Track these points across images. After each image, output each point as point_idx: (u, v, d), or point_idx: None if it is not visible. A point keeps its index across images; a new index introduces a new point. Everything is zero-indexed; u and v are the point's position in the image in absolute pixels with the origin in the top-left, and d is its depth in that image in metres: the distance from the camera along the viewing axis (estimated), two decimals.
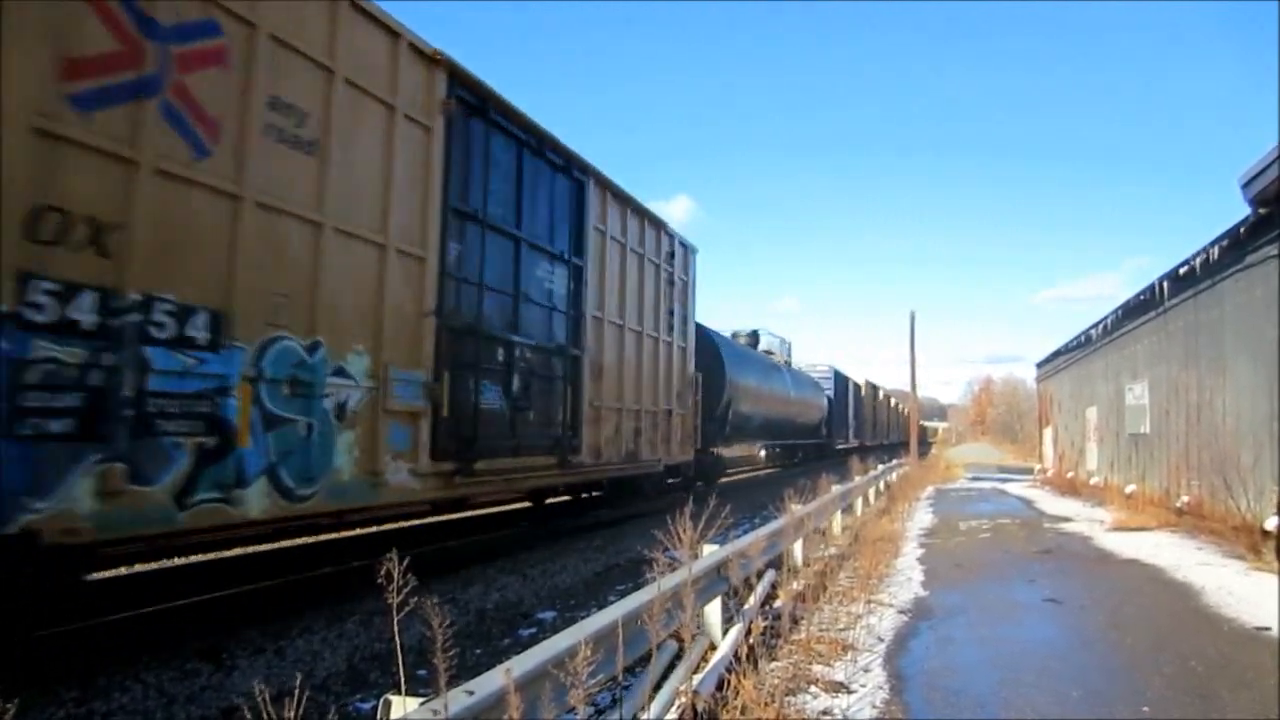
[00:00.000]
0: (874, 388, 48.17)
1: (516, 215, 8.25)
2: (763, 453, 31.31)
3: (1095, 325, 17.98)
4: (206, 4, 4.77)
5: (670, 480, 13.94)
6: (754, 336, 24.30)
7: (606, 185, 10.53)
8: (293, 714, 2.02)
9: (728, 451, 21.98)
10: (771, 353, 25.65)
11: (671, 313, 13.11)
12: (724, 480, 19.05)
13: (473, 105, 7.50)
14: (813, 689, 4.28)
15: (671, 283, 13.15)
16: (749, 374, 18.98)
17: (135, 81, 4.36)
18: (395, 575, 2.20)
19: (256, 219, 5.06)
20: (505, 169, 8.10)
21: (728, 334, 21.02)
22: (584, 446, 9.62)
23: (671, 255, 13.17)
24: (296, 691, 2.11)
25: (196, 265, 4.69)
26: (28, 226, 3.83)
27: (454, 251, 7.12)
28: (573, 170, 9.52)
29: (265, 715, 2.06)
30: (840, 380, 34.04)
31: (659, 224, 12.68)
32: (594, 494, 12.32)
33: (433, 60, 6.86)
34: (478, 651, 5.40)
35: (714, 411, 15.97)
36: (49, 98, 3.94)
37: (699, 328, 15.46)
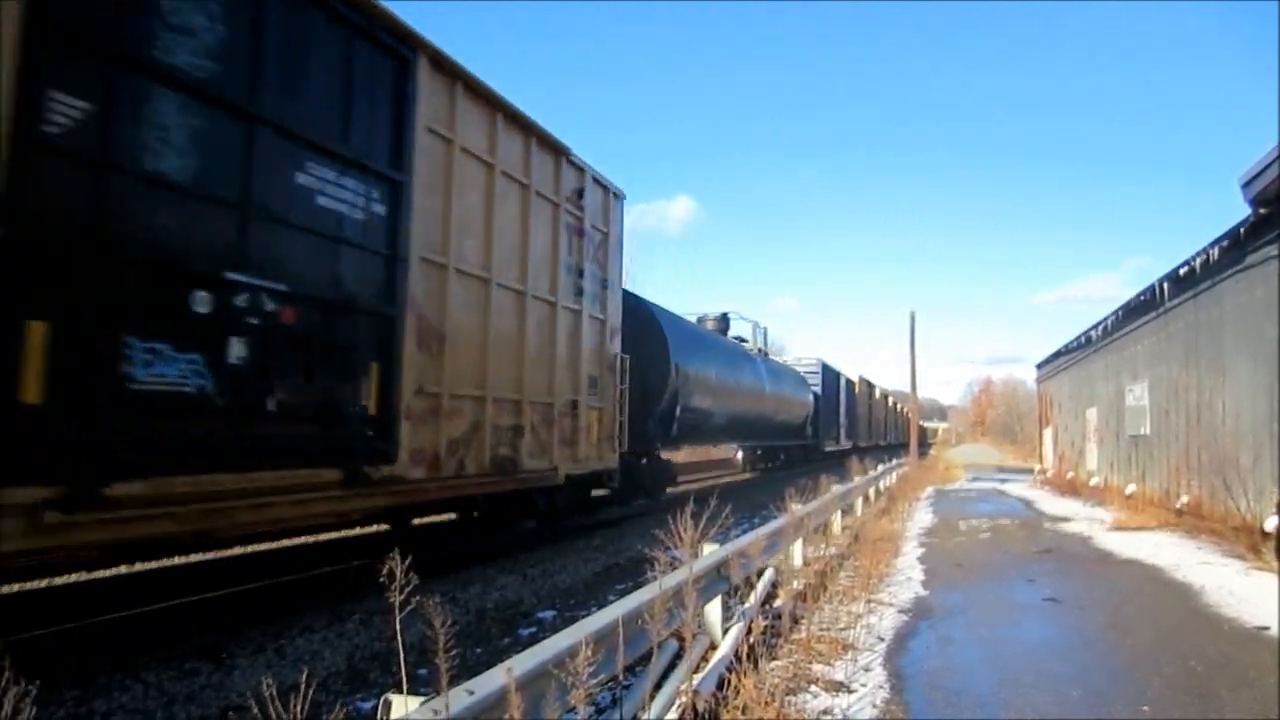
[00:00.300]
0: (869, 385, 45.56)
1: (252, 81, 5.12)
2: (740, 454, 27.97)
3: (1095, 326, 17.99)
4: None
5: (592, 494, 11.27)
6: (723, 321, 20.89)
7: (457, 73, 7.17)
8: (299, 708, 2.02)
9: (679, 456, 19.68)
10: (744, 340, 22.21)
11: (582, 273, 9.81)
12: (679, 489, 15.91)
13: None
14: (813, 688, 4.28)
15: (581, 233, 9.80)
16: (707, 361, 15.86)
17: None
18: (398, 575, 2.20)
19: None
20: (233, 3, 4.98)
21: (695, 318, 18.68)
22: (403, 453, 6.39)
23: (580, 195, 9.80)
24: (303, 687, 2.10)
25: None
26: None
27: (71, 111, 4.06)
28: (386, 37, 6.29)
29: (273, 712, 2.06)
30: (830, 374, 30.75)
31: (559, 149, 9.19)
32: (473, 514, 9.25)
33: None
34: (478, 651, 5.40)
35: (655, 407, 13.08)
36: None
37: (632, 299, 12.42)
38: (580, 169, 9.83)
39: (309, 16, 5.63)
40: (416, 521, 9.78)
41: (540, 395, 8.73)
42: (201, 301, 4.77)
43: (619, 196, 11.03)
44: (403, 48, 6.49)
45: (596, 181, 10.31)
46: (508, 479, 8.07)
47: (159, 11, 4.54)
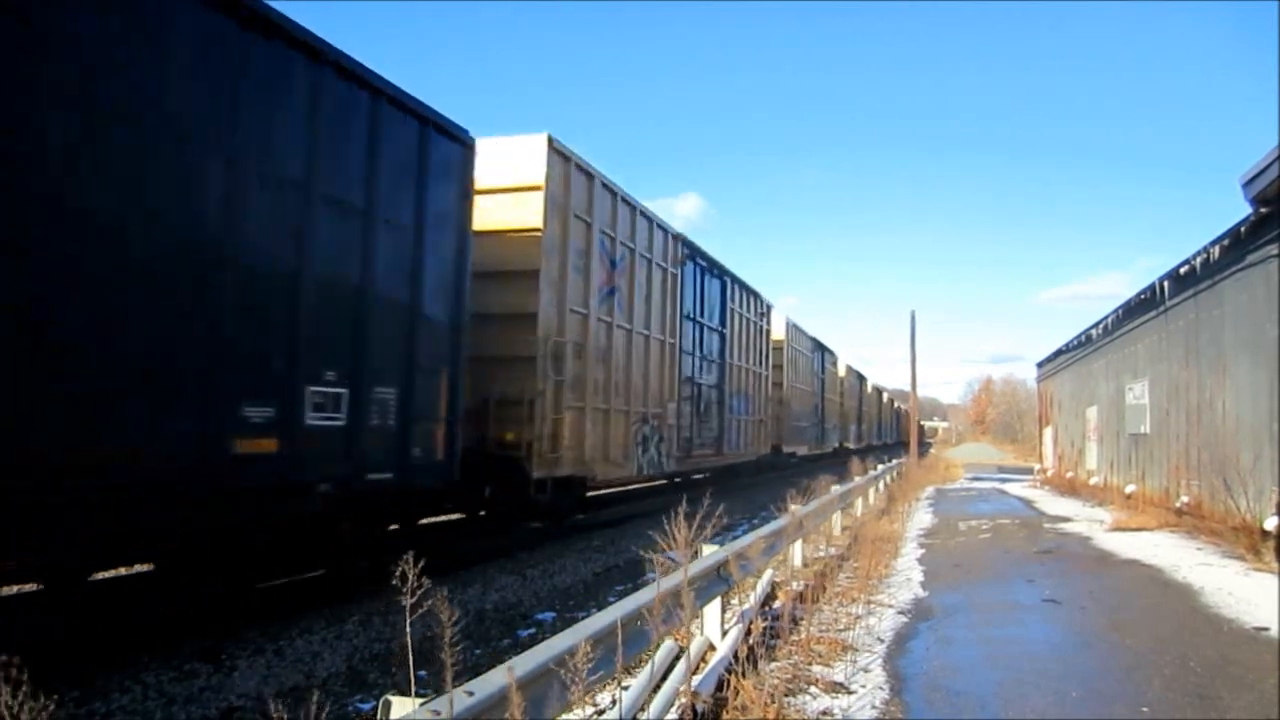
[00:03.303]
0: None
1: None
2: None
3: (1096, 325, 17.99)
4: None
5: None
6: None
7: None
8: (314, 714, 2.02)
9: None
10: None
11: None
12: None
13: None
14: (812, 689, 4.28)
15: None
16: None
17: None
18: (410, 576, 2.21)
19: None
20: None
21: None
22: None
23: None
24: (317, 695, 2.10)
25: None
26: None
27: None
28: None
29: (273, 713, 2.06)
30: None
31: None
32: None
33: None
34: (477, 652, 5.40)
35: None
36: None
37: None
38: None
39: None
40: (419, 522, 9.88)
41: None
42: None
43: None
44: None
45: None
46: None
47: None
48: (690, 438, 13.96)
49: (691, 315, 14.09)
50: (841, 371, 34.61)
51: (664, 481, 16.02)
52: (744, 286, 17.71)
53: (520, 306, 8.86)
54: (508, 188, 8.97)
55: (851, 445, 35.50)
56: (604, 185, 10.39)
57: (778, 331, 21.84)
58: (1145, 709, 4.05)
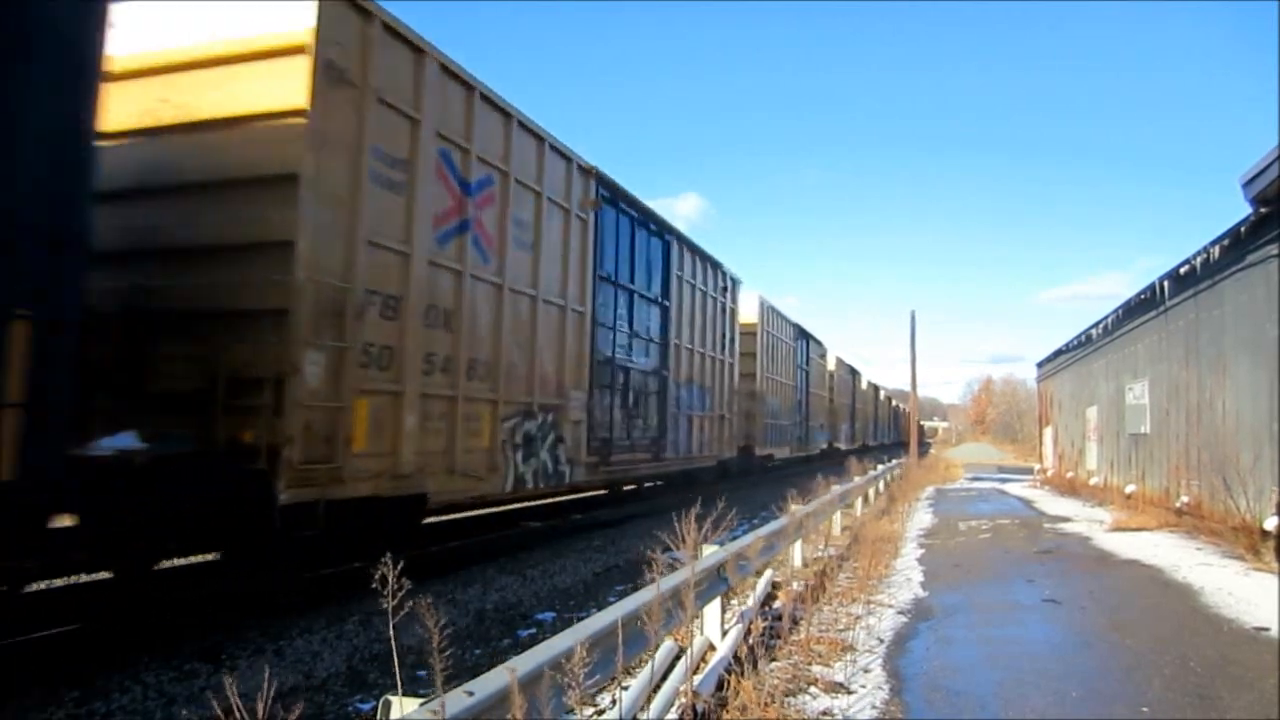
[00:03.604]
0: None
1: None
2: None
3: (1096, 325, 17.99)
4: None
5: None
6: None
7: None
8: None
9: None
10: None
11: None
12: None
13: None
14: (812, 689, 4.28)
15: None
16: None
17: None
18: (390, 580, 2.20)
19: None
20: None
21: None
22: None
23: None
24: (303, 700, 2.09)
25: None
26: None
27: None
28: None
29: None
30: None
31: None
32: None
33: None
34: (477, 652, 5.39)
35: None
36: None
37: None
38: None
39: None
40: (421, 522, 9.85)
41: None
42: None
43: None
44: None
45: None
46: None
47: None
48: (610, 438, 10.55)
49: (613, 278, 10.70)
50: (831, 365, 31.15)
51: (571, 496, 12.91)
52: (698, 252, 14.20)
53: (266, 232, 5.62)
54: (246, 52, 5.82)
55: (843, 446, 32.34)
56: (445, 70, 7.03)
57: (748, 314, 18.53)
58: (1145, 709, 4.05)
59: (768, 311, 20.38)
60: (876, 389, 48.82)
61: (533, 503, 11.87)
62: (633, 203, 11.26)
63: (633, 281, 11.50)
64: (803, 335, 25.18)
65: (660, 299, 12.57)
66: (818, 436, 27.64)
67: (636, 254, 11.62)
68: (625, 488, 14.13)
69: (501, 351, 7.87)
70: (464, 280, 7.24)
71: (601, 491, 13.71)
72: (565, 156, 9.22)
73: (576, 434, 9.56)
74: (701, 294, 14.54)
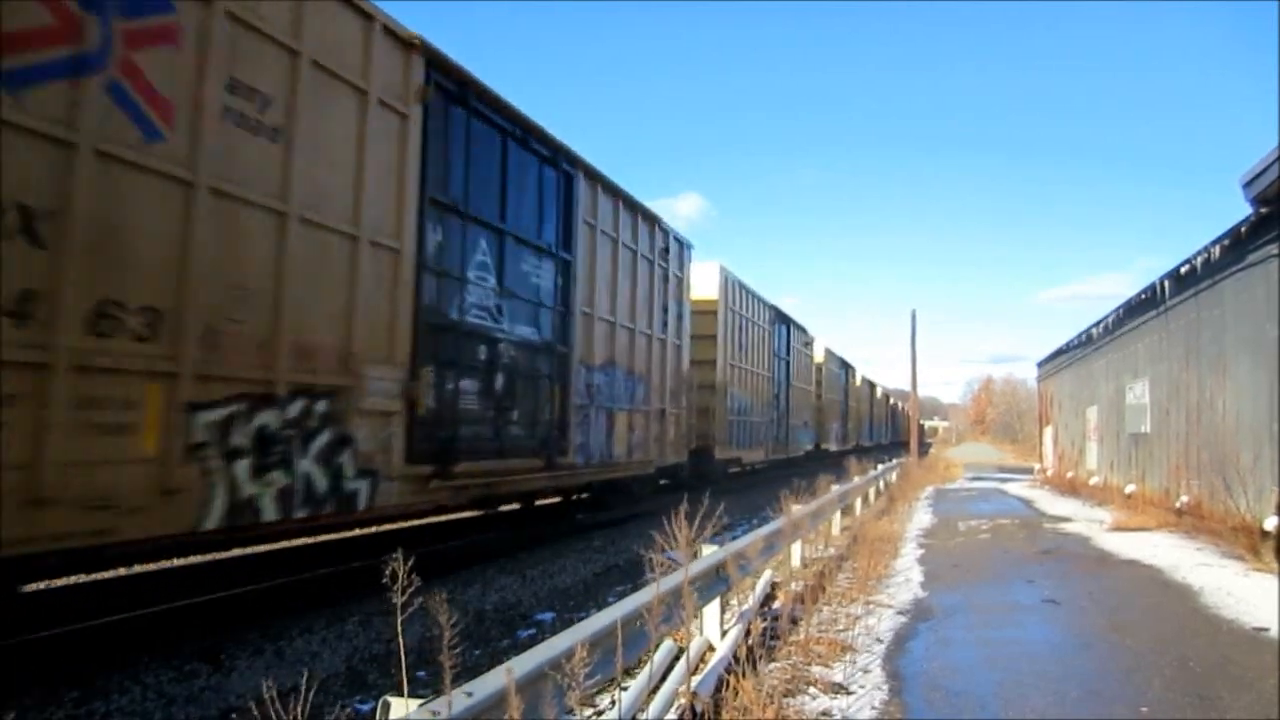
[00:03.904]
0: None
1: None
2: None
3: (1096, 324, 17.99)
4: None
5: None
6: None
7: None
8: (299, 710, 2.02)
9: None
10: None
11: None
12: None
13: None
14: (812, 690, 4.28)
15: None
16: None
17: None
18: (400, 576, 2.20)
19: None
20: None
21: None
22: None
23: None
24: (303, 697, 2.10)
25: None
26: None
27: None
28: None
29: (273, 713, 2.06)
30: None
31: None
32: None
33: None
34: (476, 652, 5.40)
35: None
36: None
37: None
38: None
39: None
40: (419, 522, 9.93)
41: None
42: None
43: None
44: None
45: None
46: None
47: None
48: (456, 436, 7.09)
49: (462, 208, 7.24)
50: (818, 355, 27.58)
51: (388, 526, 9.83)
52: (621, 196, 10.66)
53: None
54: None
55: (833, 447, 29.31)
56: None
57: (705, 287, 15.30)
58: (1145, 709, 4.05)
59: (732, 286, 16.75)
60: (872, 385, 46.85)
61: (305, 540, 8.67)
62: (502, 108, 7.80)
63: (503, 219, 7.85)
64: (782, 319, 21.65)
65: (556, 249, 8.92)
66: (800, 437, 24.15)
67: (512, 182, 8.02)
68: (502, 508, 10.58)
69: (191, 293, 4.58)
70: (78, 157, 4.02)
71: (455, 516, 10.63)
72: (363, 13, 6.03)
73: (384, 432, 6.20)
74: (630, 253, 11.03)
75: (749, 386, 18.24)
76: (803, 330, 24.90)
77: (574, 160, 9.34)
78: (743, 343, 17.72)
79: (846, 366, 35.33)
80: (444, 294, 7.03)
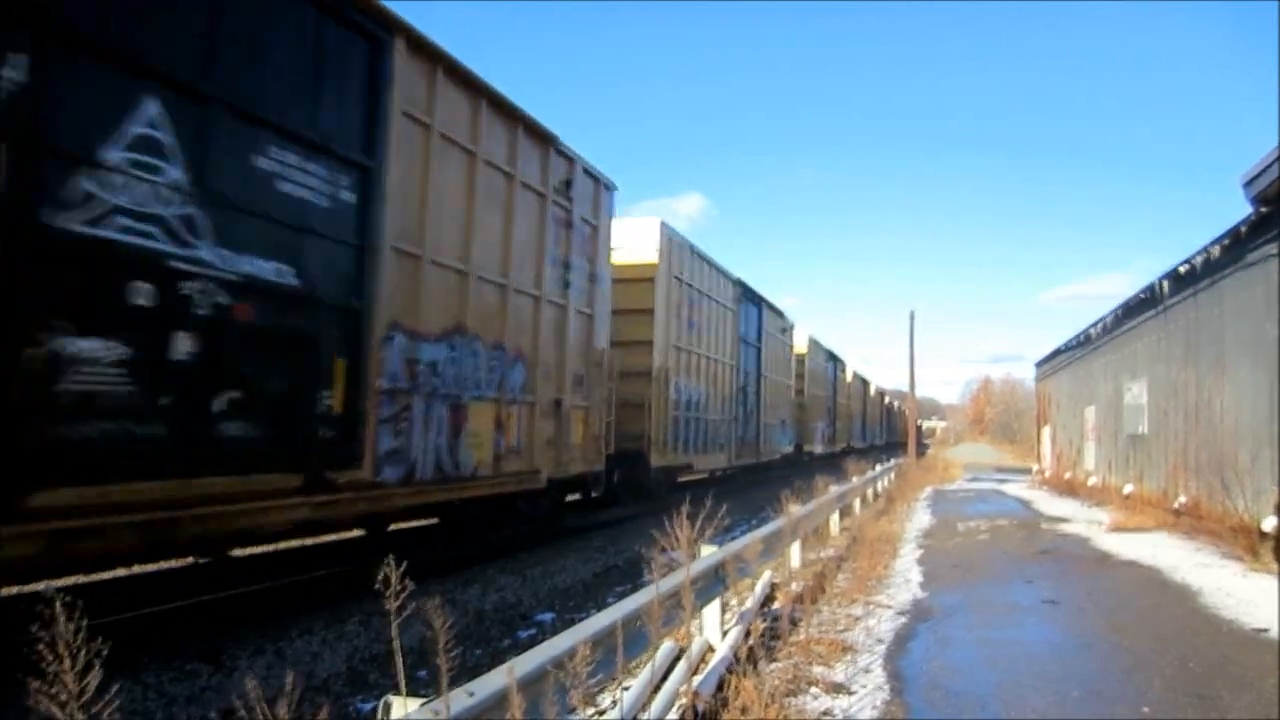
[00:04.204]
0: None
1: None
2: None
3: (1094, 324, 18.01)
4: None
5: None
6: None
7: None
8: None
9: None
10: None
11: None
12: None
13: None
14: (813, 690, 4.28)
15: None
16: None
17: None
18: (393, 580, 2.20)
19: None
20: None
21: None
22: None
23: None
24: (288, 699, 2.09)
25: None
26: None
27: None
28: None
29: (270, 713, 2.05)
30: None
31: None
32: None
33: None
34: (477, 652, 5.40)
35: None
36: None
37: None
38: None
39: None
40: (419, 523, 9.68)
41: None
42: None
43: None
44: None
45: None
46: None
47: None
48: (46, 440, 3.89)
49: (74, 28, 4.00)
50: (799, 345, 24.34)
51: None
52: (469, 82, 7.23)
53: None
54: None
55: (818, 449, 26.53)
56: None
57: (640, 248, 12.44)
58: (1145, 709, 4.05)
59: (678, 249, 13.54)
60: (866, 382, 44.66)
61: None
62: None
63: (209, 76, 4.72)
64: (751, 298, 18.30)
65: (344, 150, 5.78)
66: (777, 437, 21.12)
67: (239, 24, 4.95)
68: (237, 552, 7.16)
69: None
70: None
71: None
72: None
73: None
74: (503, 179, 7.93)
75: (704, 375, 14.98)
76: (779, 314, 21.58)
77: (387, 20, 6.16)
78: (694, 320, 14.43)
79: (835, 360, 32.12)
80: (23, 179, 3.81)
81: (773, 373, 20.72)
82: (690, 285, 14.28)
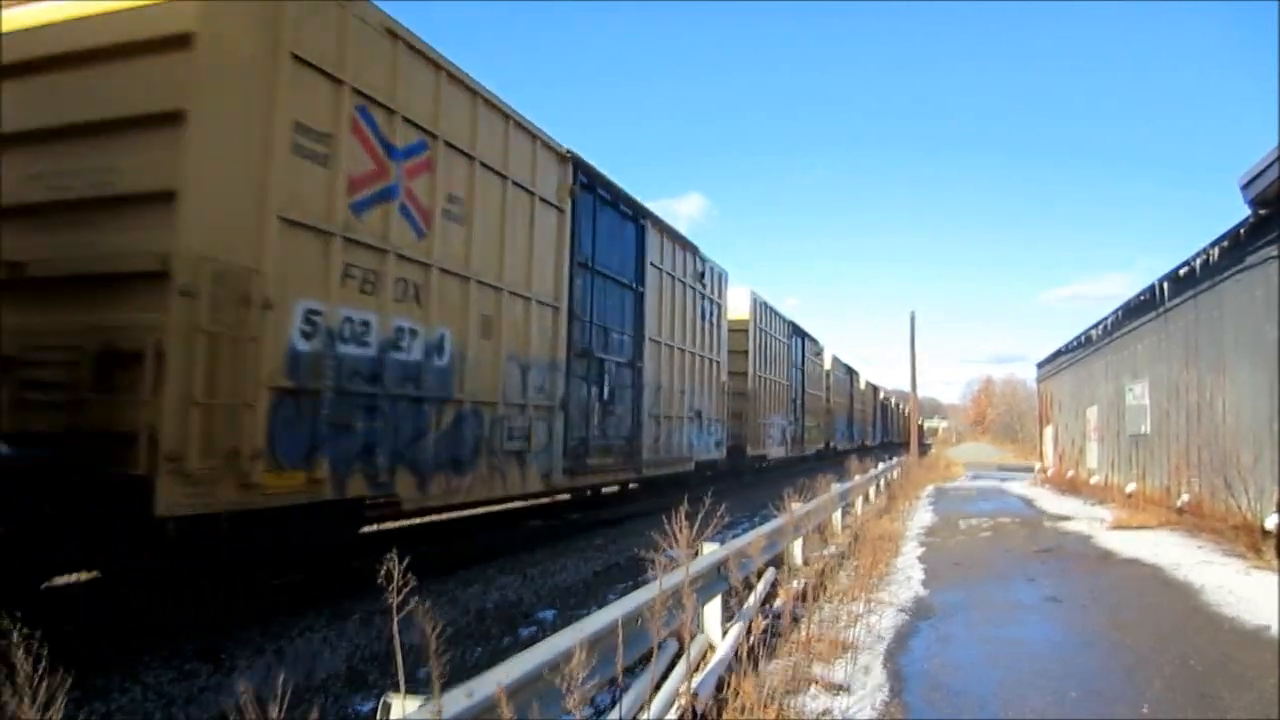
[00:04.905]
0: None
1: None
2: None
3: (1096, 325, 17.99)
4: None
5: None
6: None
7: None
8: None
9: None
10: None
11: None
12: None
13: None
14: (813, 689, 4.27)
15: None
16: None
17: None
18: (395, 576, 2.19)
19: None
20: None
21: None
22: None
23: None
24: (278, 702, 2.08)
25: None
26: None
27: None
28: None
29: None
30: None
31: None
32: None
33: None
34: (478, 651, 5.39)
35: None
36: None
37: None
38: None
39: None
40: (417, 521, 9.83)
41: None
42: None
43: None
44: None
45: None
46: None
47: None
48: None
49: None
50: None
51: None
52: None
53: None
54: None
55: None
56: None
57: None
58: (1146, 708, 4.04)
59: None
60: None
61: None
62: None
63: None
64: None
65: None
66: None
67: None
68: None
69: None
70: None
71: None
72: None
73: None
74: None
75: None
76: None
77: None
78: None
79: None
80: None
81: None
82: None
